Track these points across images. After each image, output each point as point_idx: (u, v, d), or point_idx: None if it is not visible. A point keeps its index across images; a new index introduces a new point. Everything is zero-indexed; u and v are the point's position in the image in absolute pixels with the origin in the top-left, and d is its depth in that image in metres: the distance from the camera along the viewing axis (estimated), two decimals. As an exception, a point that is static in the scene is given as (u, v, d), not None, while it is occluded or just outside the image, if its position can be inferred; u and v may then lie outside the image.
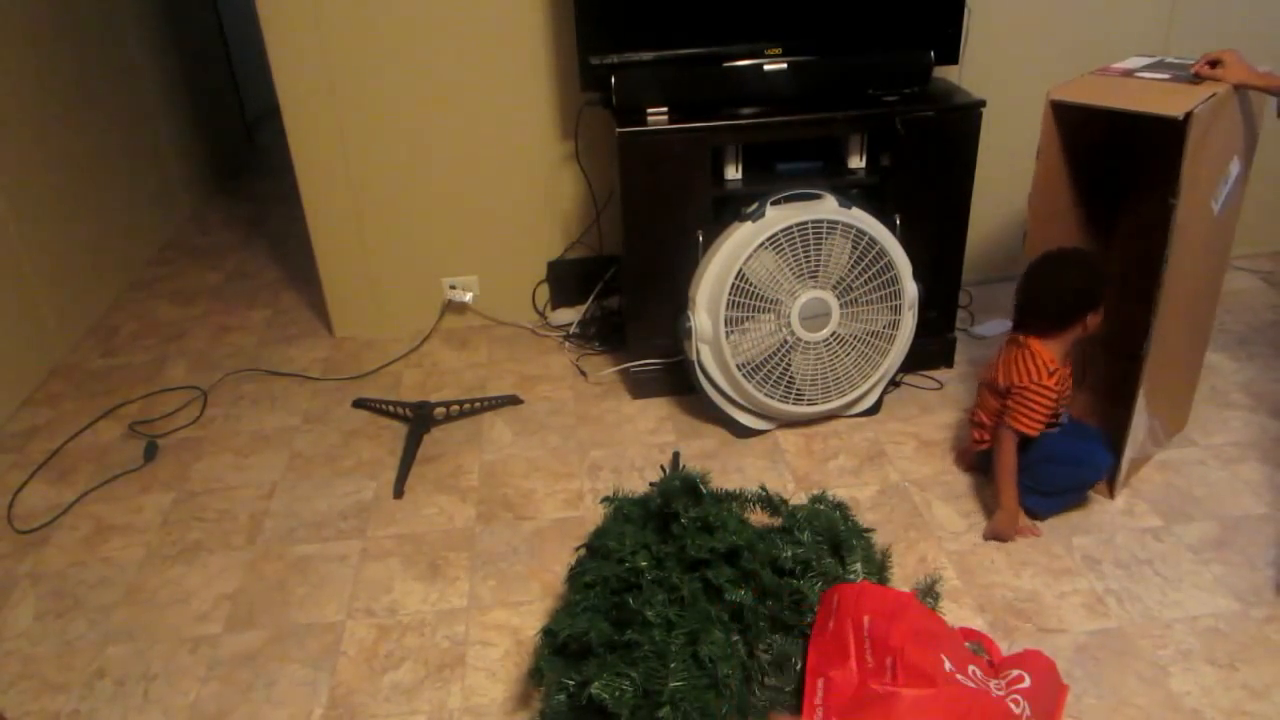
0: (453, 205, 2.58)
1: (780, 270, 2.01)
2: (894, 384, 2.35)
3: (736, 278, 2.00)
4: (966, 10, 2.20)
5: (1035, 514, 1.88)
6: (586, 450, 2.18)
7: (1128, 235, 2.12)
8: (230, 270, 3.27)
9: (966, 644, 1.48)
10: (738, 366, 2.07)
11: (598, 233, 2.65)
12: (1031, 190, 1.87)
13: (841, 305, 2.07)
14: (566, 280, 2.70)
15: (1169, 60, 1.91)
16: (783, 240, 1.99)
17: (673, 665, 1.35)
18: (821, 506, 1.69)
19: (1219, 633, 1.62)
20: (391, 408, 2.36)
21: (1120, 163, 2.07)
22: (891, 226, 2.10)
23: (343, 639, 1.70)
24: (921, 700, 1.25)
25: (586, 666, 1.39)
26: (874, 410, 2.26)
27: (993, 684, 1.34)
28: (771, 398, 2.11)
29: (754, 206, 2.05)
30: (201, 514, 2.04)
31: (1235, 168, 1.84)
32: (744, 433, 2.20)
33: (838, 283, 2.05)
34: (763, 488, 1.74)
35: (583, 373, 2.49)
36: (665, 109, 2.11)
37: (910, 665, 1.28)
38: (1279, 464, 2.02)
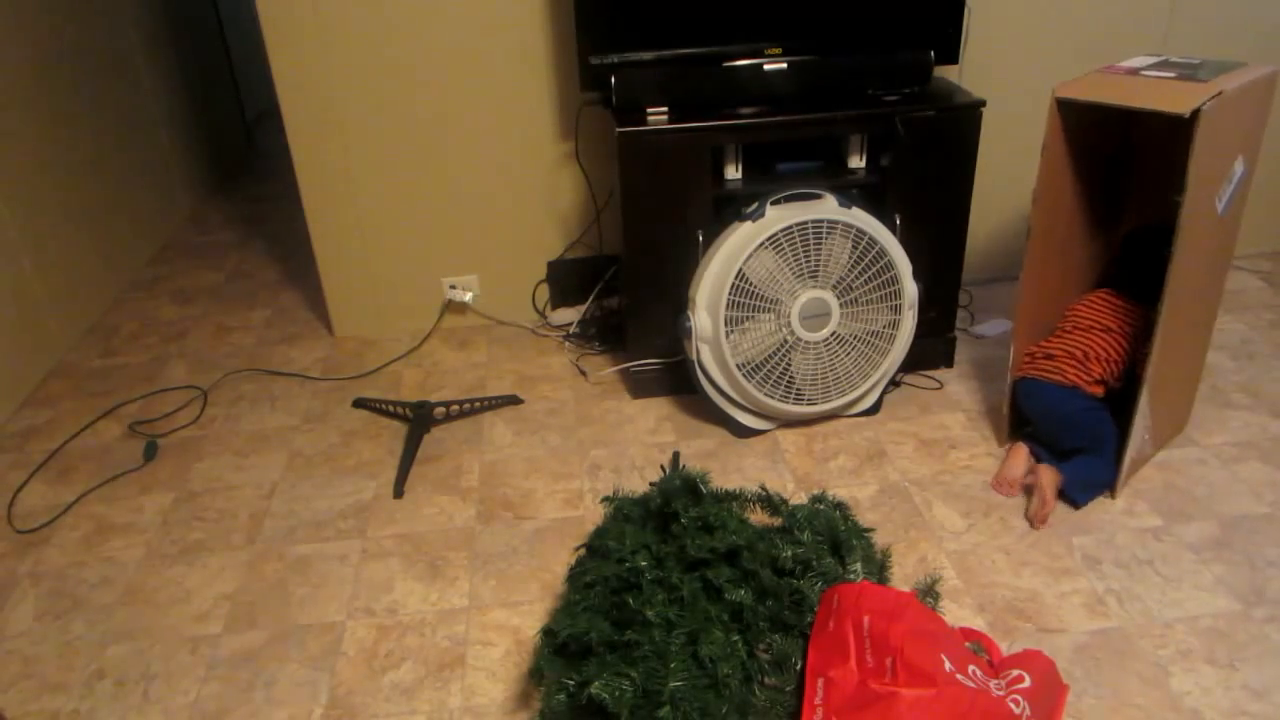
0: (453, 205, 2.58)
1: (780, 270, 2.01)
2: (894, 384, 2.35)
3: (736, 277, 2.00)
4: (966, 10, 2.20)
5: (1075, 503, 1.92)
6: (586, 450, 2.18)
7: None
8: (230, 270, 3.27)
9: (966, 644, 1.48)
10: (738, 366, 2.07)
11: (598, 233, 2.65)
12: (1036, 187, 1.87)
13: (841, 305, 2.07)
14: (566, 280, 2.70)
15: (1173, 59, 1.91)
16: (782, 240, 1.99)
17: (673, 665, 1.35)
18: (821, 506, 1.69)
19: (1219, 633, 1.62)
20: (391, 408, 2.36)
21: (1124, 161, 2.07)
22: (891, 226, 2.10)
23: (343, 639, 1.70)
24: (921, 700, 1.25)
25: (586, 666, 1.39)
26: (874, 410, 2.26)
27: (993, 684, 1.34)
28: (771, 397, 2.11)
29: (754, 206, 2.05)
30: (201, 514, 2.04)
31: (1239, 167, 1.84)
32: (744, 433, 2.20)
33: (838, 282, 2.05)
34: (763, 487, 1.74)
35: (583, 373, 2.49)
36: (665, 109, 2.11)
37: (910, 665, 1.28)
38: (1279, 464, 2.02)
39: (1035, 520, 1.87)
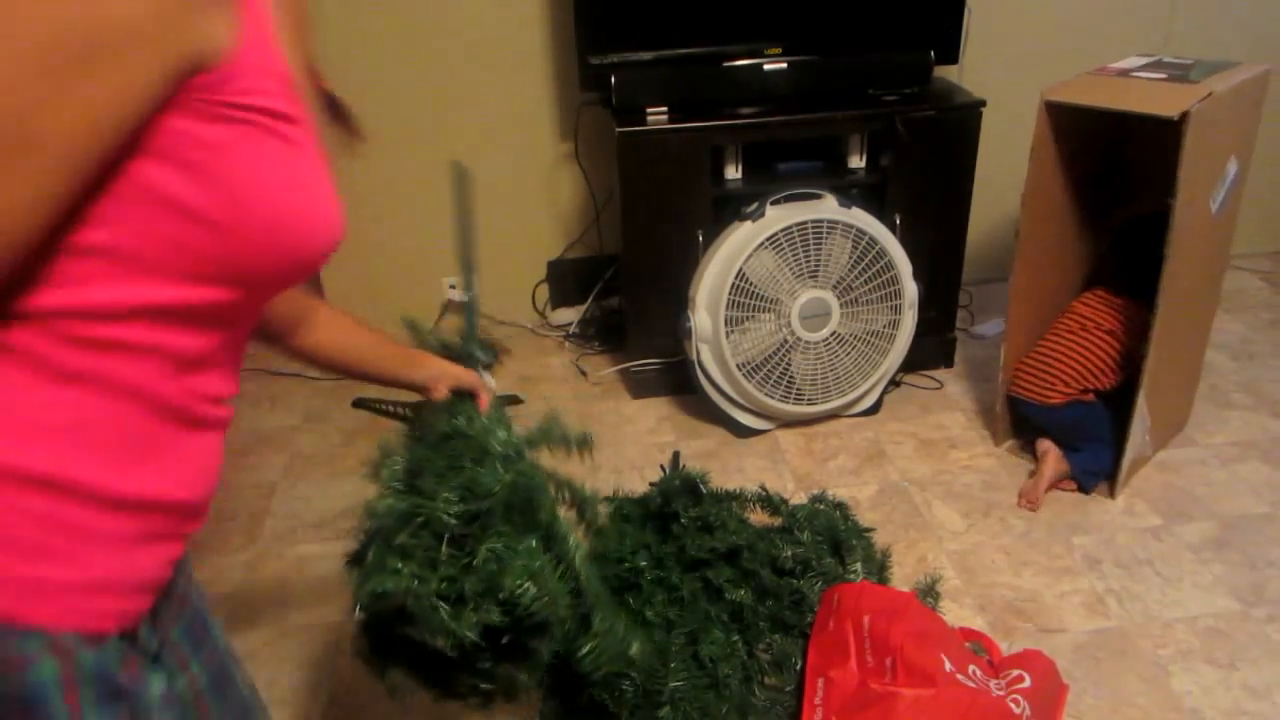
0: (453, 205, 2.57)
1: (780, 270, 2.01)
2: (894, 384, 2.35)
3: (736, 277, 2.00)
4: (966, 10, 2.20)
5: (1084, 488, 1.96)
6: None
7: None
8: (230, 270, 3.26)
9: (966, 644, 1.48)
10: (738, 366, 2.07)
11: (598, 232, 2.65)
12: (1025, 189, 1.87)
13: (841, 305, 2.07)
14: (566, 280, 2.70)
15: (1166, 60, 1.91)
16: (782, 240, 1.99)
17: (673, 665, 1.35)
18: (821, 506, 1.69)
19: (1219, 633, 1.62)
20: (391, 408, 2.35)
21: (1116, 162, 2.07)
22: (891, 226, 2.10)
23: (343, 639, 1.69)
24: (921, 700, 1.25)
25: (586, 666, 1.39)
26: (874, 410, 2.26)
27: (993, 684, 1.34)
28: (771, 397, 2.11)
29: (754, 206, 2.05)
30: (201, 514, 2.04)
31: (1233, 167, 1.84)
32: (744, 432, 2.20)
33: (838, 282, 2.05)
34: (763, 487, 1.74)
35: (583, 372, 2.49)
36: (665, 108, 2.11)
37: (910, 665, 1.28)
38: (1279, 464, 2.02)
39: (1026, 499, 1.92)
